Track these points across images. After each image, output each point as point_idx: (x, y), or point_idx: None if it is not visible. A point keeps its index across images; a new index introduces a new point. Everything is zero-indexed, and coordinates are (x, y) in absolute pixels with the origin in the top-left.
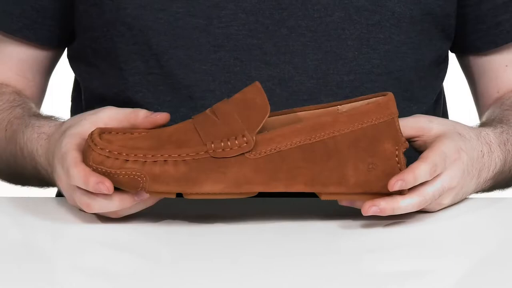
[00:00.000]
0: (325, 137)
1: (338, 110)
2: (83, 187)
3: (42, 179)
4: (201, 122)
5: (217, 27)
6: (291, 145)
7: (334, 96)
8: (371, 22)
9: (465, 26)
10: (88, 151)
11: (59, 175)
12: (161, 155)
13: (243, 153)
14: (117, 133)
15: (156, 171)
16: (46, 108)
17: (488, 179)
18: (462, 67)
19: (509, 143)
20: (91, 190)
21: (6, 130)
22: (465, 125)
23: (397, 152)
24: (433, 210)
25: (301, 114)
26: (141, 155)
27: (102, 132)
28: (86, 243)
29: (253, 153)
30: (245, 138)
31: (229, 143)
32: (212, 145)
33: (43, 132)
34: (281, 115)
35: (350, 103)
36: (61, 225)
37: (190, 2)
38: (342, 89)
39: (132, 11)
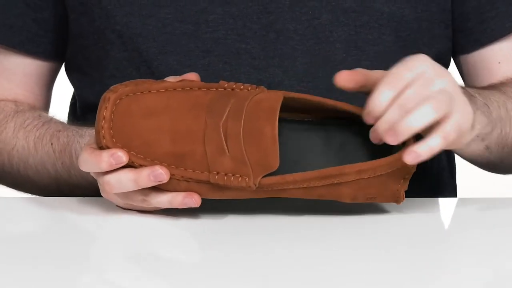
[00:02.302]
0: (329, 183)
1: None
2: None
3: None
4: (211, 141)
5: (205, 32)
6: (293, 186)
7: None
8: (359, 23)
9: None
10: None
11: None
12: (172, 174)
13: None
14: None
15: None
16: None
17: (479, 100)
18: (456, 65)
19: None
20: (106, 166)
21: (52, 144)
22: None
23: (399, 185)
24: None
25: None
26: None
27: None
28: (87, 242)
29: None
30: (247, 180)
31: (232, 178)
32: (216, 177)
33: None
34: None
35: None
36: (61, 225)
37: (178, 8)
38: (332, 92)
39: (121, 18)
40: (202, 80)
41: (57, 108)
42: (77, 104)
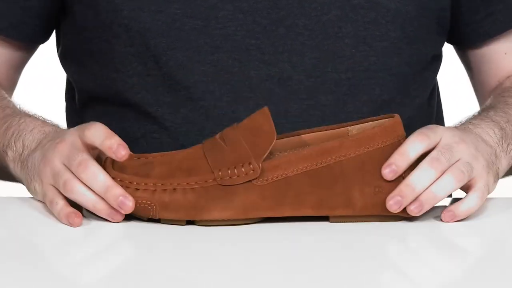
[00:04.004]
0: (331, 162)
1: (348, 131)
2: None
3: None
4: (210, 148)
5: (215, 28)
6: (297, 171)
7: (332, 94)
8: (367, 19)
9: (459, 18)
10: None
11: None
12: (170, 184)
13: (250, 180)
14: (133, 158)
15: (165, 200)
16: (42, 111)
17: (499, 143)
18: (460, 58)
19: (494, 115)
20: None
21: None
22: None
23: (403, 174)
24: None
25: (306, 136)
26: (151, 184)
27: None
28: (87, 242)
29: (259, 180)
30: (251, 166)
31: (236, 170)
32: (220, 173)
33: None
34: (286, 137)
35: (358, 124)
36: (61, 225)
37: (187, 4)
38: (340, 87)
39: (129, 12)
40: (211, 75)
41: (53, 103)
42: (76, 96)
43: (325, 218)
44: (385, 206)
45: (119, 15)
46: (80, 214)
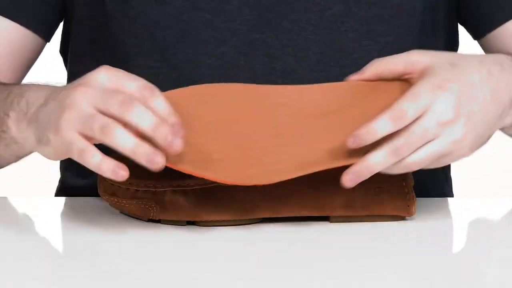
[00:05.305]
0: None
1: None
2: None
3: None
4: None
5: (222, 22)
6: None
7: None
8: (370, 14)
9: (467, 10)
10: (100, 182)
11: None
12: (171, 185)
13: None
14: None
15: (165, 201)
16: None
17: None
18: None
19: None
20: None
21: None
22: (470, 54)
23: (403, 176)
24: (459, 155)
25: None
26: (151, 185)
27: None
28: (87, 242)
29: None
30: None
31: None
32: None
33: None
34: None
35: None
36: (60, 225)
37: None
38: (343, 81)
39: (136, 4)
40: (217, 69)
41: None
42: None
43: (325, 218)
44: (385, 206)
45: (126, 7)
46: (125, 166)
